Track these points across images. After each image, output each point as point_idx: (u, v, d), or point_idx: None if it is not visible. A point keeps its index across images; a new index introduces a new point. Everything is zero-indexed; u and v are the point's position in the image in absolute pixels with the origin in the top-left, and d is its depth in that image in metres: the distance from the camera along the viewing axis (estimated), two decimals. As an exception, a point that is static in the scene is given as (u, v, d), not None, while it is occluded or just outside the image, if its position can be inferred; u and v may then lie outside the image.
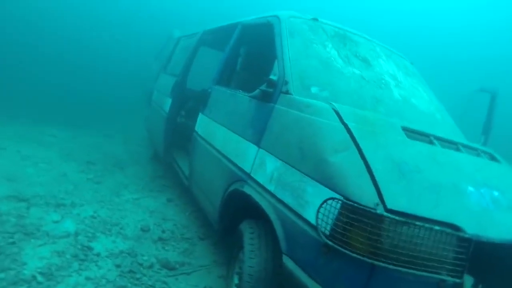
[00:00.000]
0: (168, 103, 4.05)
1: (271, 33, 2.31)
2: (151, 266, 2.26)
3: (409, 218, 1.16)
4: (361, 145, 1.36)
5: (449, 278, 1.19)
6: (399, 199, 1.21)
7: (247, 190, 1.82)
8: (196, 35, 4.23)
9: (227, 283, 2.05)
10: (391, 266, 1.14)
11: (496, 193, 1.53)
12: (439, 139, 1.73)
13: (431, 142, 1.64)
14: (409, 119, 1.95)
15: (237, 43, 2.94)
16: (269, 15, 2.49)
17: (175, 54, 4.95)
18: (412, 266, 1.16)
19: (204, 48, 4.90)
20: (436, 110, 2.37)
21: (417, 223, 1.15)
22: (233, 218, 2.15)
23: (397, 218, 1.14)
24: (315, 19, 2.42)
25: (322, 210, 1.27)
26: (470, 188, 1.43)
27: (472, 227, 1.24)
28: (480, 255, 1.87)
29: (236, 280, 1.91)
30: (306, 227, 1.34)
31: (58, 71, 9.82)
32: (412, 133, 1.61)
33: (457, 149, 1.77)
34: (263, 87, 1.98)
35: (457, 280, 1.20)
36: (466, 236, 1.19)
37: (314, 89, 1.84)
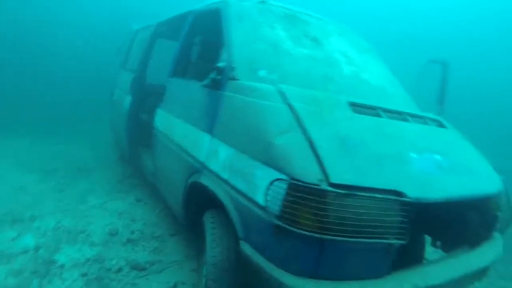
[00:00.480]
0: (128, 100, 3.93)
1: (220, 19, 2.27)
2: (119, 270, 2.22)
3: (352, 190, 1.19)
4: (306, 125, 1.38)
5: (395, 241, 1.25)
6: (344, 173, 1.24)
7: (204, 180, 1.81)
8: (151, 27, 4.10)
9: (198, 275, 2.06)
10: (339, 238, 1.18)
11: (438, 157, 1.60)
12: (387, 111, 1.79)
13: (378, 115, 1.69)
14: (359, 95, 1.99)
15: (191, 33, 2.87)
16: (218, 0, 2.44)
17: (133, 48, 4.78)
18: (360, 235, 1.20)
19: (168, 41, 4.77)
20: (389, 83, 2.44)
21: (360, 193, 1.19)
22: (197, 211, 2.15)
23: (340, 191, 1.17)
24: (263, 2, 2.40)
25: (270, 192, 1.29)
26: (413, 155, 1.49)
27: (413, 191, 1.30)
28: (434, 216, 1.98)
29: (204, 271, 1.92)
30: (258, 211, 1.35)
31: (15, 75, 9.20)
32: (359, 108, 1.65)
33: (405, 119, 1.83)
34: (212, 75, 1.95)
35: (403, 242, 1.25)
36: (407, 200, 1.25)
37: (262, 73, 1.83)
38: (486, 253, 1.77)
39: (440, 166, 1.56)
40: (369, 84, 2.18)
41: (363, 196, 1.19)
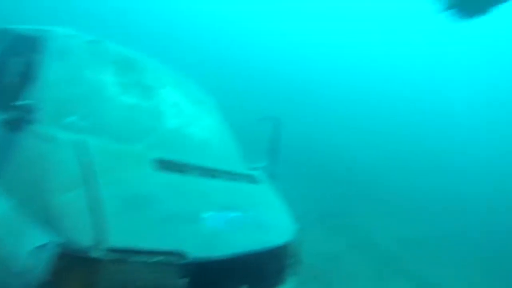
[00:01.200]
0: None
1: (39, 49, 2.07)
2: None
3: (130, 254, 1.21)
4: (98, 182, 1.35)
5: None
6: (126, 236, 1.25)
7: None
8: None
9: None
10: None
11: (235, 214, 1.82)
12: (198, 168, 1.94)
13: (185, 173, 1.81)
14: (177, 150, 2.10)
15: (4, 55, 2.49)
16: (42, 28, 2.24)
17: None
18: None
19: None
20: (216, 138, 2.69)
21: (136, 258, 1.21)
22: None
23: (112, 257, 1.16)
24: (96, 41, 2.34)
25: (37, 256, 1.17)
26: (209, 214, 1.64)
27: (197, 251, 1.42)
28: (247, 266, 2.17)
29: None
30: (19, 279, 1.19)
31: None
32: (166, 165, 1.73)
33: (214, 177, 2.02)
34: (13, 112, 1.72)
35: None
36: (185, 261, 1.35)
37: (72, 119, 1.73)
38: None
39: (234, 223, 1.77)
40: (192, 139, 2.35)
41: (138, 261, 1.22)
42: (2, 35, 2.51)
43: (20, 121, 1.67)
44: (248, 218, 1.91)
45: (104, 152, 1.53)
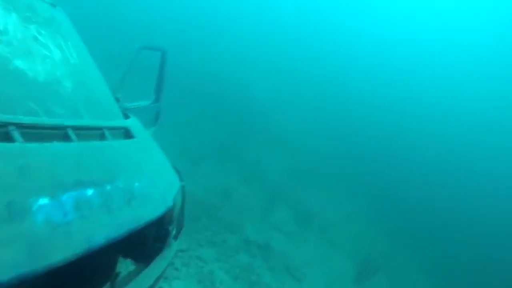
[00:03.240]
0: None
1: None
2: None
3: None
4: None
5: None
6: None
7: None
8: None
9: None
10: None
11: (90, 192, 1.37)
12: (34, 127, 1.36)
13: (5, 138, 1.24)
14: None
15: None
16: None
17: None
18: None
19: None
20: (69, 76, 1.97)
21: None
22: None
23: None
24: None
25: None
26: (42, 202, 1.16)
27: (22, 264, 1.00)
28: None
29: None
30: None
31: None
32: None
33: (64, 137, 1.49)
34: None
35: None
36: None
37: None
38: (155, 269, 1.83)
39: (89, 205, 1.34)
40: (26, 78, 1.62)
41: None
42: None
43: None
44: (113, 192, 1.50)
45: None
